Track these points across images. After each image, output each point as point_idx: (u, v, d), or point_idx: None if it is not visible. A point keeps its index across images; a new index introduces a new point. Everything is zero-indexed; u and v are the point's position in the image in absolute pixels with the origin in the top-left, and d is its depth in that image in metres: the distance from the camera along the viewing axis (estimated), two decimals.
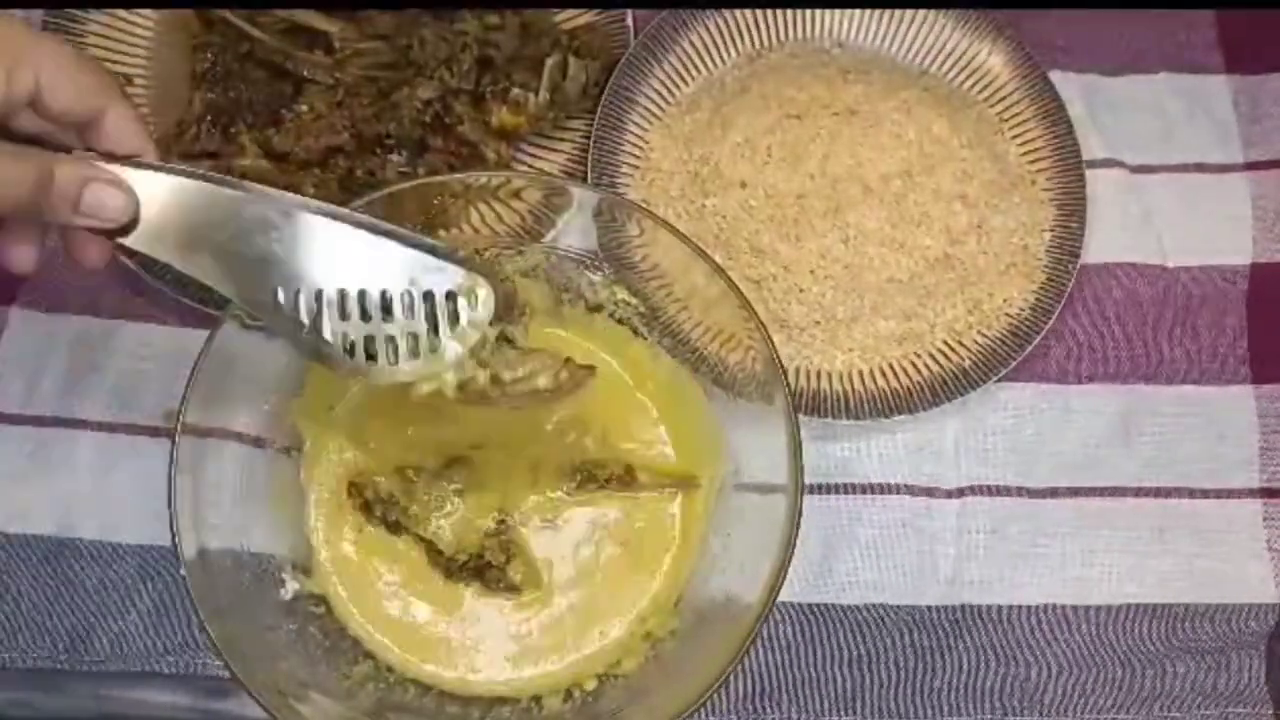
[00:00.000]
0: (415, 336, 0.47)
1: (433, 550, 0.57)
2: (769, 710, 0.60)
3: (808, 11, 0.70)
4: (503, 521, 0.58)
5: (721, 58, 0.70)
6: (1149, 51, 0.72)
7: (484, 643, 0.57)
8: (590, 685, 0.56)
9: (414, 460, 0.58)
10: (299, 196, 0.46)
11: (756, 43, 0.71)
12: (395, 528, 0.57)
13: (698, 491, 0.59)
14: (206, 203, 0.44)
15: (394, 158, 0.64)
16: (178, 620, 0.60)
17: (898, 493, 0.63)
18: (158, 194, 0.43)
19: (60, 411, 0.63)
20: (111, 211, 0.42)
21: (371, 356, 0.47)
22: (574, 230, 0.60)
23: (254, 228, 0.45)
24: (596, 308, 0.61)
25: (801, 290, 0.64)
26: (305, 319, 0.46)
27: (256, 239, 0.45)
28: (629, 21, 0.69)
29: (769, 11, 0.70)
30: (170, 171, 0.44)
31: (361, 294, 0.46)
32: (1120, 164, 0.69)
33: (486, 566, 0.57)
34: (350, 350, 0.47)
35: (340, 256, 0.46)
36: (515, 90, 0.64)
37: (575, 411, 0.59)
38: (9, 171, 0.40)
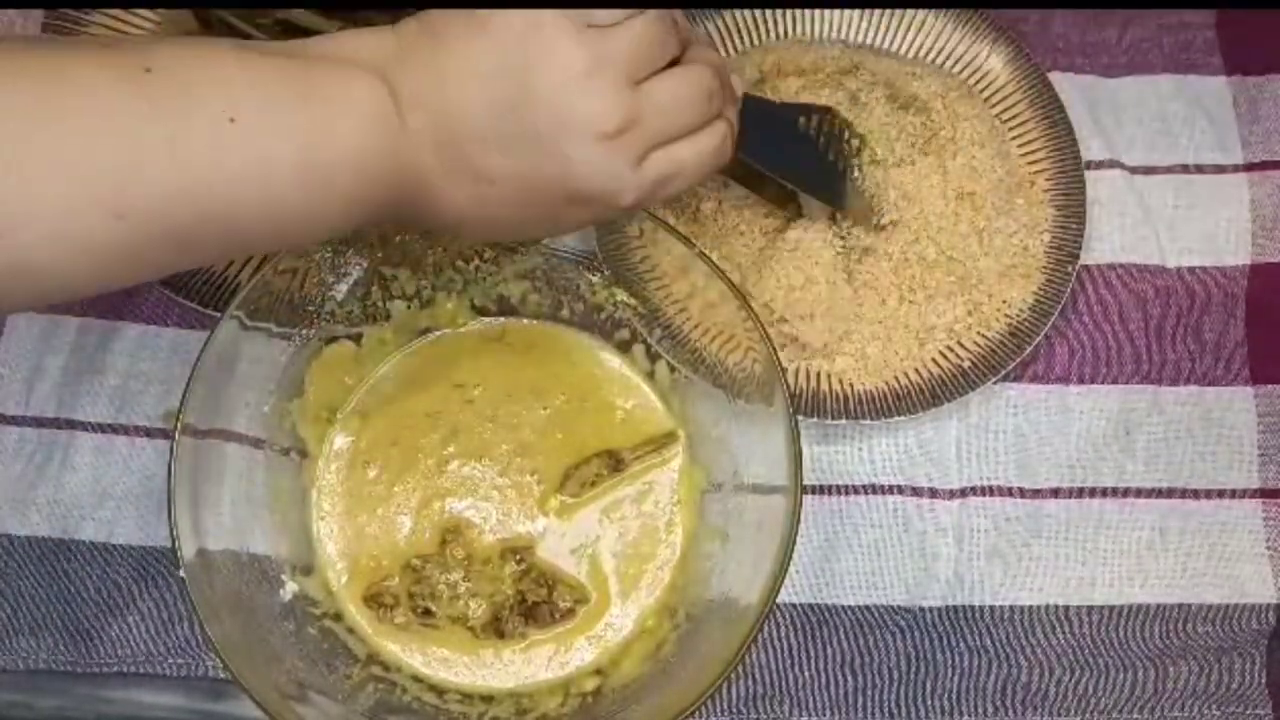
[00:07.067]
0: None
1: (470, 626, 0.57)
2: (769, 710, 0.60)
3: (808, 11, 0.70)
4: (521, 559, 0.57)
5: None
6: (1149, 52, 0.72)
7: (486, 647, 0.57)
8: (590, 685, 0.56)
9: (413, 547, 0.57)
10: None
11: (756, 43, 0.70)
12: (428, 614, 0.56)
13: (692, 481, 0.59)
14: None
15: None
16: (177, 621, 0.60)
17: (898, 493, 0.63)
18: None
19: (60, 411, 0.63)
20: None
21: None
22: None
23: None
24: (595, 309, 0.61)
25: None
26: None
27: None
28: None
29: (769, 11, 0.70)
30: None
31: None
32: (1120, 165, 0.69)
33: (534, 607, 0.56)
34: None
35: None
36: None
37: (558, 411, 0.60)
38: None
